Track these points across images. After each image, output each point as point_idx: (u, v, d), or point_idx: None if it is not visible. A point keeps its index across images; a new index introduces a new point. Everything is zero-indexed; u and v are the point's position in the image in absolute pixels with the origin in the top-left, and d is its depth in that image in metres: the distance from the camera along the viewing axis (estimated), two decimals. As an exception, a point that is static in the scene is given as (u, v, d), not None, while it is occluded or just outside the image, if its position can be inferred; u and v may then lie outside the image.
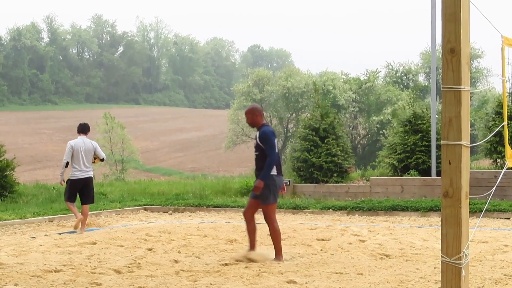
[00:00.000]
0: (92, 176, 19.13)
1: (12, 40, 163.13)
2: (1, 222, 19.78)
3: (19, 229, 19.18)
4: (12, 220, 20.09)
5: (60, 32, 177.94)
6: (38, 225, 20.05)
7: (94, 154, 19.04)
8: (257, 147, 13.71)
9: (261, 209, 13.82)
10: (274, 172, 13.65)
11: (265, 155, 13.58)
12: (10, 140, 28.29)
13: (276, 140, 13.75)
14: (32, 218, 20.58)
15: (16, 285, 11.27)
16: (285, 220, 20.42)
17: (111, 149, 65.57)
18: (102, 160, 19.57)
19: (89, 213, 20.82)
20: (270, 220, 13.67)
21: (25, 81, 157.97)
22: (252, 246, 13.83)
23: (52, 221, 20.51)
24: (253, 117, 13.82)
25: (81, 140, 18.89)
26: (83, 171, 18.85)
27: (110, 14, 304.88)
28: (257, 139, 13.66)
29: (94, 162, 19.39)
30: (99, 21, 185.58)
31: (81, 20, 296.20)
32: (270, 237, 13.64)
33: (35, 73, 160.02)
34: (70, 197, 18.96)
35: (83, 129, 19.32)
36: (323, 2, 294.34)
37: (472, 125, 36.03)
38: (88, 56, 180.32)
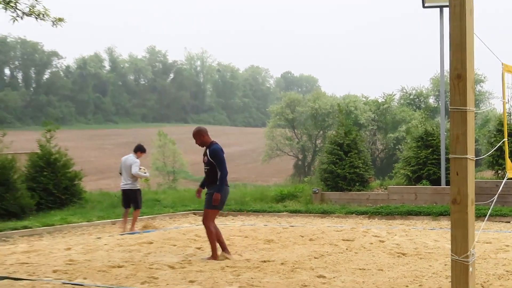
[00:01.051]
0: (130, 188, 19.29)
1: (78, 68, 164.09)
2: (71, 224, 19.92)
3: (86, 231, 19.31)
4: (81, 223, 20.23)
5: (119, 61, 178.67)
6: (103, 227, 20.17)
7: None
8: (207, 163, 13.70)
9: (205, 212, 13.80)
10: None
11: (215, 169, 13.64)
12: (77, 154, 28.51)
13: (224, 155, 13.88)
14: (98, 221, 20.70)
15: (84, 278, 11.35)
16: (314, 223, 20.41)
17: (164, 161, 65.78)
18: (144, 178, 19.92)
19: (146, 217, 20.97)
20: (208, 223, 13.65)
21: (90, 103, 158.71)
22: (224, 248, 13.79)
23: (114, 224, 20.62)
24: (201, 137, 13.93)
25: (125, 158, 19.24)
26: (123, 183, 19.26)
27: (162, 46, 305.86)
28: (208, 156, 13.67)
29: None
30: (152, 52, 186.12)
31: (138, 50, 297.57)
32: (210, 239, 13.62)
33: (98, 97, 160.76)
34: (123, 204, 19.39)
35: (134, 148, 19.68)
36: (346, 35, 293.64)
37: (476, 141, 35.83)
38: (143, 82, 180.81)
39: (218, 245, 13.58)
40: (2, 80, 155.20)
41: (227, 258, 13.41)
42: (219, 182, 13.63)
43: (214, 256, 13.40)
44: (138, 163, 19.31)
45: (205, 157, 13.72)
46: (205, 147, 13.86)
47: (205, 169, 13.78)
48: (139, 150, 19.70)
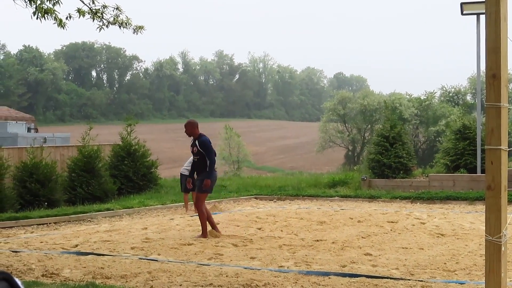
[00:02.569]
0: (181, 172, 19.66)
1: (155, 70, 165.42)
2: (148, 207, 20.07)
3: (161, 213, 19.44)
4: (156, 206, 20.36)
5: (191, 63, 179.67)
6: (176, 209, 20.27)
7: None
8: (197, 153, 13.80)
9: (196, 194, 14.07)
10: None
11: (205, 159, 13.73)
12: (154, 145, 28.79)
13: (211, 146, 14.06)
14: (171, 204, 20.80)
15: (159, 254, 11.43)
16: (362, 207, 20.28)
17: (230, 152, 66.04)
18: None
19: (213, 200, 20.97)
20: (199, 205, 13.75)
21: (165, 101, 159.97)
22: (214, 227, 13.88)
23: (185, 208, 20.74)
24: (192, 129, 14.00)
25: None
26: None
27: (229, 50, 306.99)
28: (198, 146, 13.75)
29: None
30: (221, 55, 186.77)
31: (207, 54, 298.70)
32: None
33: (172, 95, 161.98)
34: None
35: None
36: (392, 41, 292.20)
37: (509, 133, 35.29)
38: (212, 82, 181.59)
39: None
40: (89, 81, 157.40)
41: (216, 235, 13.56)
42: (209, 169, 13.83)
43: (204, 235, 13.56)
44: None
45: (195, 148, 13.86)
46: (193, 139, 13.95)
47: (194, 158, 13.93)
48: None
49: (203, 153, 13.71)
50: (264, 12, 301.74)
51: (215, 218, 17.26)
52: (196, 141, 13.81)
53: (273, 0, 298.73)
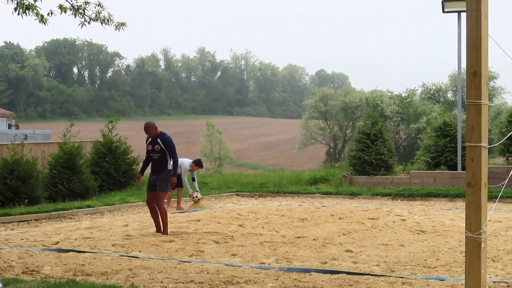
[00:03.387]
0: None
1: (137, 67, 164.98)
2: (129, 204, 20.01)
3: (142, 210, 19.36)
4: (137, 203, 20.29)
5: (173, 61, 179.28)
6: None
7: None
8: (159, 151, 13.82)
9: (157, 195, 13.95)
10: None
11: (166, 156, 13.80)
12: (135, 142, 28.65)
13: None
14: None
15: (140, 251, 11.41)
16: (343, 204, 20.32)
17: (211, 149, 65.99)
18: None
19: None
20: (161, 204, 13.87)
21: (147, 98, 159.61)
22: (158, 227, 13.87)
23: (167, 204, 20.67)
24: (153, 130, 14.01)
25: (182, 160, 19.36)
26: None
27: (211, 47, 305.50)
28: (161, 144, 13.79)
29: None
30: (202, 52, 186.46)
31: (189, 51, 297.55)
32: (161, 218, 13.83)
33: (154, 92, 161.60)
34: None
35: (195, 160, 20.32)
36: (373, 38, 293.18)
37: (489, 131, 35.52)
38: (194, 79, 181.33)
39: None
40: (71, 77, 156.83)
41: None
42: (174, 167, 13.96)
43: (166, 232, 13.61)
44: (185, 169, 19.39)
45: (157, 146, 13.88)
46: (153, 138, 13.96)
47: (154, 156, 13.89)
48: (197, 164, 19.96)
49: (165, 151, 13.77)
50: (246, 10, 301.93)
51: (197, 214, 17.24)
52: (158, 139, 13.84)
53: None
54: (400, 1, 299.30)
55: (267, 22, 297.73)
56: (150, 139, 13.98)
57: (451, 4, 22.84)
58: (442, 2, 22.85)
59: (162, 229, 13.73)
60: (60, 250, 11.50)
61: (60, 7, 11.86)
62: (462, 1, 20.65)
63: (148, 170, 14.44)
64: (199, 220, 15.95)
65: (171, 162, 13.96)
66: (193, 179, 20.29)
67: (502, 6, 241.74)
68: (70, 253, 11.19)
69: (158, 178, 13.81)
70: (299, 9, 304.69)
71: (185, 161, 19.49)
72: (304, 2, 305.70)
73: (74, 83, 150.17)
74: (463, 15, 21.65)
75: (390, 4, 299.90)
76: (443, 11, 23.08)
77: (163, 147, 13.75)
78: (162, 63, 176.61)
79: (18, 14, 11.60)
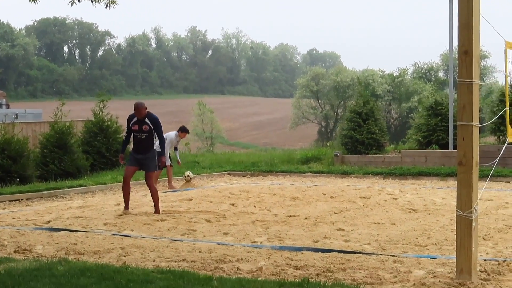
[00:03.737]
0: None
1: (128, 46, 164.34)
2: (120, 183, 19.85)
3: (134, 189, 19.30)
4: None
5: (164, 39, 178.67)
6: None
7: None
8: (148, 131, 13.76)
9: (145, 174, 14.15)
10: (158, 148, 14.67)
11: (152, 137, 13.84)
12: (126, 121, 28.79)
13: None
14: (144, 181, 20.69)
15: (132, 230, 11.44)
16: (335, 183, 20.37)
17: (203, 128, 65.96)
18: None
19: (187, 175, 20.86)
20: (151, 183, 13.99)
21: (138, 77, 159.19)
22: (127, 205, 14.05)
23: (158, 183, 20.66)
24: (144, 110, 13.88)
25: (167, 134, 19.20)
26: None
27: (202, 26, 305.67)
28: (150, 124, 13.74)
29: None
30: (194, 31, 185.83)
31: (180, 30, 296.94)
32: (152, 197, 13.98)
33: (145, 71, 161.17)
34: None
35: (179, 128, 19.91)
36: (365, 17, 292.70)
37: (480, 110, 35.57)
38: (185, 58, 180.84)
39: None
40: (61, 57, 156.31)
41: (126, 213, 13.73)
42: (161, 146, 14.35)
43: (157, 211, 13.68)
44: (170, 140, 19.26)
45: (145, 126, 13.80)
46: (141, 118, 13.84)
47: (142, 135, 13.82)
48: (183, 131, 19.76)
49: (153, 132, 13.76)
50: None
51: (188, 193, 17.26)
52: (147, 119, 13.79)
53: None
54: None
55: (259, 0, 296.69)
56: (135, 119, 13.85)
57: (443, -17, 22.81)
58: (434, -19, 22.81)
59: (154, 209, 13.78)
60: (52, 229, 11.51)
61: (50, -15, 11.79)
62: (454, -20, 20.63)
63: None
64: (191, 199, 15.98)
65: (157, 142, 14.04)
66: (175, 149, 20.20)
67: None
68: (62, 232, 11.20)
69: (146, 157, 13.79)
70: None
71: (169, 134, 19.35)
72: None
73: (64, 62, 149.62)
74: (455, -7, 21.64)
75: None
76: (435, -10, 23.04)
77: (151, 127, 13.73)
78: (153, 42, 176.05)
79: (8, -8, 11.52)
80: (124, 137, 14.27)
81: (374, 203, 14.94)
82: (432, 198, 15.67)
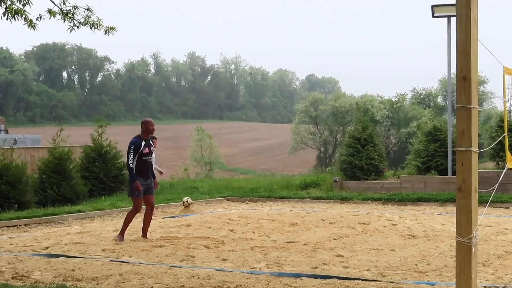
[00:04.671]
0: None
1: (127, 71, 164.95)
2: (119, 209, 19.97)
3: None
4: (127, 208, 20.21)
5: (163, 65, 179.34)
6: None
7: None
8: (151, 153, 13.70)
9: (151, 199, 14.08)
10: None
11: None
12: (125, 147, 28.71)
13: None
14: (143, 206, 20.67)
15: (130, 256, 11.40)
16: (334, 208, 20.33)
17: (202, 153, 65.99)
18: None
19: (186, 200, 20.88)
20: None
21: (137, 102, 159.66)
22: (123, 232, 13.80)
23: (157, 208, 20.62)
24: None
25: None
26: None
27: (201, 51, 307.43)
28: (153, 145, 13.82)
29: None
30: (192, 57, 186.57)
31: (179, 55, 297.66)
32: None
33: (144, 97, 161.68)
34: None
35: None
36: (363, 42, 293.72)
37: (479, 135, 35.62)
38: (184, 83, 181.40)
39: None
40: (60, 82, 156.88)
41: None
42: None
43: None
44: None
45: (152, 147, 13.69)
46: (147, 139, 13.70)
47: (150, 158, 13.65)
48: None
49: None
50: (236, 14, 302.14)
51: (187, 219, 17.23)
52: (151, 140, 13.75)
53: (245, 2, 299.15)
54: (390, 6, 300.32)
55: (257, 26, 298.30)
56: (144, 141, 13.49)
57: (440, 9, 22.89)
58: (432, 7, 22.91)
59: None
60: (50, 255, 11.47)
61: (49, 11, 11.86)
62: (452, 6, 20.73)
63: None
64: (190, 225, 15.94)
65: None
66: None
67: (491, 10, 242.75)
68: (60, 258, 11.17)
69: (152, 181, 13.77)
70: (289, 13, 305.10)
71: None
72: (293, 6, 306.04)
73: (63, 88, 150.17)
74: (453, 20, 21.64)
75: (380, 8, 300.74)
76: (433, 16, 23.14)
77: (153, 148, 13.74)
78: (152, 68, 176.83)
79: (7, 19, 11.59)
80: (131, 164, 13.41)
81: (373, 229, 14.92)
82: (431, 224, 15.64)
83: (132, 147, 13.39)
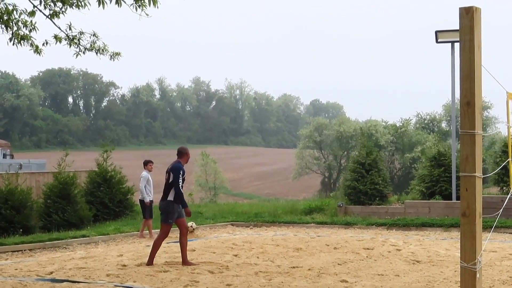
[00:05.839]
0: (139, 198, 20.07)
1: (132, 96, 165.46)
2: (123, 234, 19.96)
3: (137, 239, 19.33)
4: (132, 232, 20.25)
5: (168, 90, 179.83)
6: (152, 236, 20.18)
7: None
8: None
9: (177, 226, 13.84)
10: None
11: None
12: (130, 172, 28.75)
13: None
14: (146, 231, 20.69)
15: (134, 282, 11.37)
16: (338, 233, 20.29)
17: (206, 178, 65.97)
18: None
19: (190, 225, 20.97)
20: None
21: (142, 127, 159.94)
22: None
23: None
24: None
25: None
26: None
27: (206, 77, 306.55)
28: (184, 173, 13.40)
29: None
30: (197, 82, 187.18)
31: (184, 81, 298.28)
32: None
33: (149, 122, 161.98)
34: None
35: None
36: (368, 66, 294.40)
37: (483, 160, 35.56)
38: (189, 108, 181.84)
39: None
40: (66, 107, 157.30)
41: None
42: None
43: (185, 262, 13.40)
44: (143, 178, 19.80)
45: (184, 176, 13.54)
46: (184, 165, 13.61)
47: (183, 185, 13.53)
48: (145, 164, 20.10)
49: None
50: (241, 38, 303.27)
51: (191, 244, 17.19)
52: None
53: (249, 27, 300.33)
54: (394, 31, 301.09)
55: (262, 51, 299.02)
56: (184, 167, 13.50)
57: (444, 35, 22.97)
58: (436, 33, 22.99)
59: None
60: (54, 280, 11.45)
61: (55, 37, 11.94)
62: (455, 32, 20.79)
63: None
64: (194, 250, 15.90)
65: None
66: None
67: (496, 34, 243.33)
68: (65, 283, 11.15)
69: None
70: (293, 38, 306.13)
71: (142, 174, 19.85)
72: (298, 31, 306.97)
73: (69, 113, 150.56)
74: (457, 45, 21.76)
75: (384, 34, 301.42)
76: (437, 42, 23.21)
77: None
78: (157, 93, 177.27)
79: (13, 44, 11.68)
80: (182, 190, 13.37)
81: (377, 254, 14.87)
82: (435, 249, 15.59)
83: (181, 173, 13.32)
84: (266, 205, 28.84)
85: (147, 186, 19.78)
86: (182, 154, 13.65)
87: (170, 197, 13.31)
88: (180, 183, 13.24)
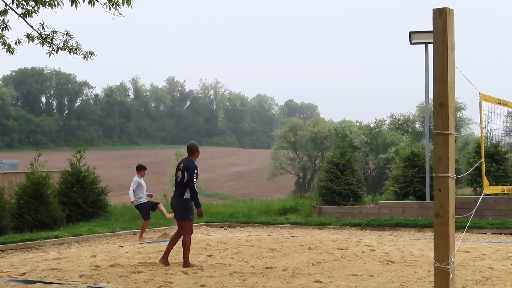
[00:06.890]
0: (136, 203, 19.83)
1: (106, 96, 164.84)
2: (97, 234, 19.87)
3: (110, 240, 19.25)
4: (105, 233, 20.16)
5: (142, 90, 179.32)
6: (125, 237, 20.12)
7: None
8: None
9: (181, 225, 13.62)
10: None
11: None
12: (104, 172, 28.59)
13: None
14: (120, 232, 20.62)
15: (108, 282, 11.31)
16: (313, 234, 20.32)
17: (180, 179, 65.81)
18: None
19: (164, 228, 21.05)
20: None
21: (116, 127, 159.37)
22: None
23: (135, 234, 20.54)
24: None
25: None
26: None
27: (180, 77, 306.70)
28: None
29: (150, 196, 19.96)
30: (172, 82, 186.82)
31: (158, 81, 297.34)
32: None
33: (123, 122, 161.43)
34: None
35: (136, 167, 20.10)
36: (343, 68, 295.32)
37: (457, 161, 35.77)
38: (163, 109, 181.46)
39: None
40: (39, 107, 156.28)
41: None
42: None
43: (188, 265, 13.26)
44: (134, 182, 19.63)
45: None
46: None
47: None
48: (138, 169, 20.00)
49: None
50: (215, 38, 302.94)
51: (165, 245, 17.14)
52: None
53: (223, 27, 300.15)
54: (369, 32, 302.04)
55: (237, 52, 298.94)
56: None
57: (418, 36, 23.09)
58: (410, 34, 23.10)
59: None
60: (27, 281, 11.38)
61: (28, 36, 11.88)
62: (429, 33, 20.92)
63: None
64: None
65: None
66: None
67: (469, 37, 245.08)
68: (37, 284, 11.08)
69: None
70: (268, 40, 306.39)
71: (134, 178, 19.74)
72: (273, 33, 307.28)
73: (42, 113, 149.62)
74: (430, 46, 21.87)
75: (359, 35, 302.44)
76: (411, 43, 23.32)
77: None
78: (131, 93, 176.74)
79: (-15, 43, 11.58)
80: (196, 189, 13.27)
81: (351, 254, 14.91)
82: (409, 250, 15.66)
83: (196, 172, 13.18)
84: (240, 206, 28.82)
85: (139, 190, 19.58)
86: (194, 151, 13.53)
87: (186, 195, 13.20)
88: (195, 182, 13.17)
